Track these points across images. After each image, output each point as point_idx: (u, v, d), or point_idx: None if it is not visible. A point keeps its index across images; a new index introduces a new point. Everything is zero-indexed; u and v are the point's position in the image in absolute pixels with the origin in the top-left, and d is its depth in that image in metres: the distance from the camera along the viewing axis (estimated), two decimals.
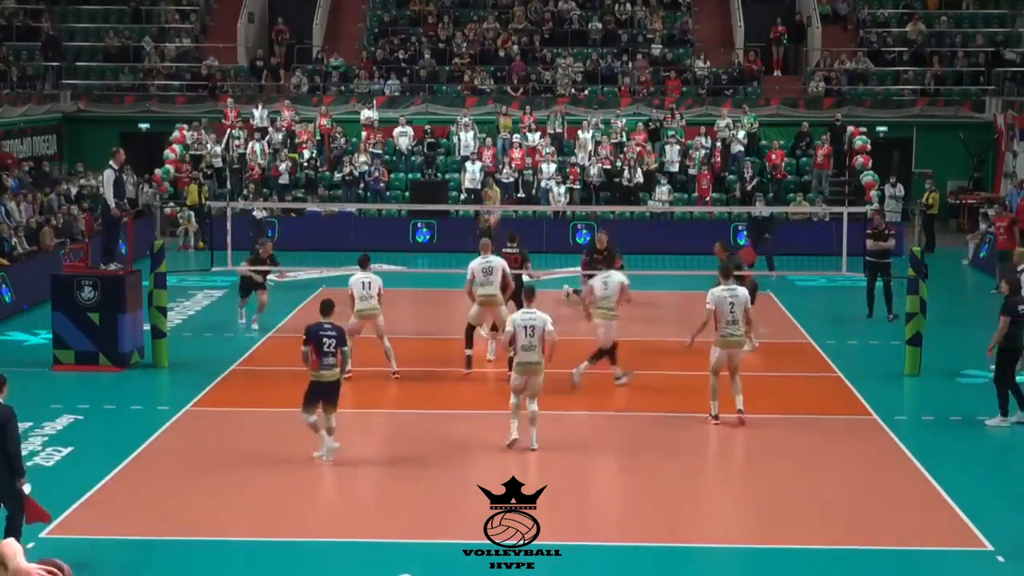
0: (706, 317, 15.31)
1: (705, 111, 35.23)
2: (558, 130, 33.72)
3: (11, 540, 7.95)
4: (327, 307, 13.92)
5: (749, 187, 31.36)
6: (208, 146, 33.33)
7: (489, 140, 33.34)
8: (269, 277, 21.10)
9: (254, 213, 25.64)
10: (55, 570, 7.50)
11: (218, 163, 33.35)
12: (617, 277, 17.06)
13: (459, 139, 33.42)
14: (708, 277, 19.84)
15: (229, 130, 33.53)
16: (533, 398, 14.13)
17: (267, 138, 33.41)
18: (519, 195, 32.01)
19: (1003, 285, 16.22)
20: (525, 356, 14.00)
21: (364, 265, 17.71)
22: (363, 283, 17.28)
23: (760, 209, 26.04)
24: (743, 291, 15.51)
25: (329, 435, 13.69)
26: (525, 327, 13.98)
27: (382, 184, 32.18)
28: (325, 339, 13.48)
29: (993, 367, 15.74)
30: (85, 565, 10.72)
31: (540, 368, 14.09)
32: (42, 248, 25.43)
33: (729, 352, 15.31)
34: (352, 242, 30.36)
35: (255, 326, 20.85)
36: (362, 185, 32.33)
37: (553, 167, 32.02)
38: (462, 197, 31.82)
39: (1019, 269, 17.83)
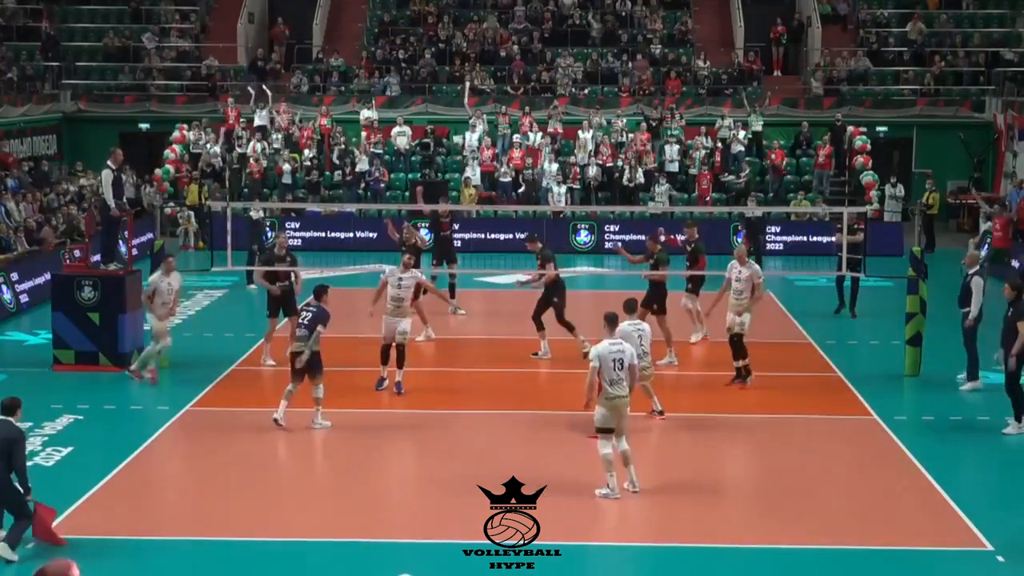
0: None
1: (705, 111, 35.24)
2: (558, 130, 33.71)
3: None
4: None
5: (740, 182, 31.27)
6: (208, 146, 33.33)
7: (488, 139, 33.33)
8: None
9: (251, 213, 25.58)
10: None
11: (218, 163, 33.36)
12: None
13: (467, 138, 33.43)
14: (709, 277, 19.88)
15: (223, 129, 33.60)
16: (621, 436, 12.72)
17: (268, 139, 33.43)
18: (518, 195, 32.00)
19: (1007, 289, 15.70)
20: (615, 391, 12.49)
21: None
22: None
23: (752, 210, 25.93)
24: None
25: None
26: (613, 360, 12.46)
27: (382, 184, 32.17)
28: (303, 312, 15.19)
29: (1003, 370, 15.49)
30: (85, 565, 10.70)
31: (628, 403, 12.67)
32: (42, 248, 25.42)
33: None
34: (352, 242, 30.47)
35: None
36: (362, 185, 32.33)
37: (554, 167, 32.01)
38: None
39: (969, 272, 17.39)
